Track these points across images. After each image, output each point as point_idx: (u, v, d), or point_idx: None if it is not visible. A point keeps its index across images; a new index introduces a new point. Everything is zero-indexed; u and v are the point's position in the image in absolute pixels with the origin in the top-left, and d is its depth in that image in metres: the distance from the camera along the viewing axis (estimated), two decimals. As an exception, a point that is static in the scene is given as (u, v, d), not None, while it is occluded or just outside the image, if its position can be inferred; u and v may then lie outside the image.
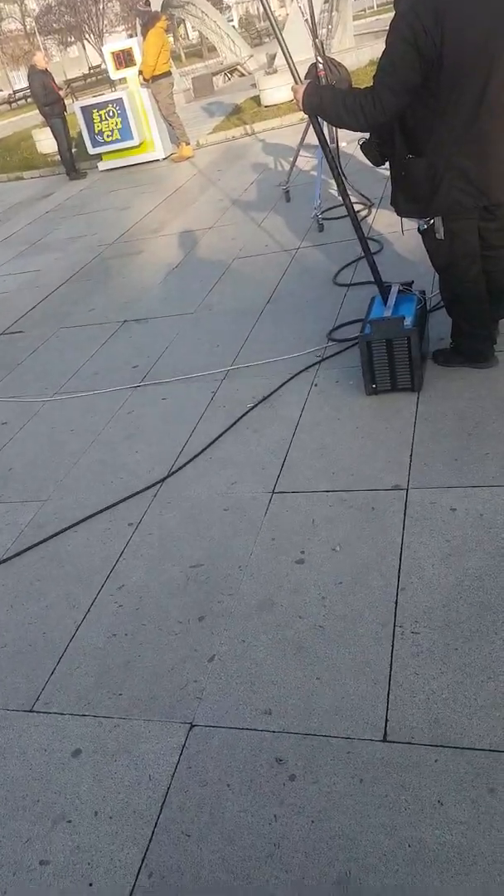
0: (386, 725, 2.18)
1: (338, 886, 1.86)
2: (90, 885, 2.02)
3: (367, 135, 3.51)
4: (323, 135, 3.69)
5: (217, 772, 2.20)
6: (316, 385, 4.03)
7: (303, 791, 2.08)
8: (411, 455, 3.24)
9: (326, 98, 3.23)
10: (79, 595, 3.06)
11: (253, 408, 3.99)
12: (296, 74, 3.54)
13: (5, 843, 2.19)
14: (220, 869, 1.96)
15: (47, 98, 11.44)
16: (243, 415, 3.94)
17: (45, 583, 3.19)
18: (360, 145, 3.59)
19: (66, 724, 2.51)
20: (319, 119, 3.54)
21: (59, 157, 12.50)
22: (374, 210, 6.32)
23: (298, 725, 2.26)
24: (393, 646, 2.40)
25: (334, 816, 2.00)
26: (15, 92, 38.59)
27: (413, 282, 3.87)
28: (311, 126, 3.88)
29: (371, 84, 2.99)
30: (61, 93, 11.77)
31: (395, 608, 2.53)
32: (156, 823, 2.12)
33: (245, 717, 2.33)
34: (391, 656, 2.37)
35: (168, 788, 2.20)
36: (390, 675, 2.31)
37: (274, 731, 2.26)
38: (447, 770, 2.02)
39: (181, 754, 2.29)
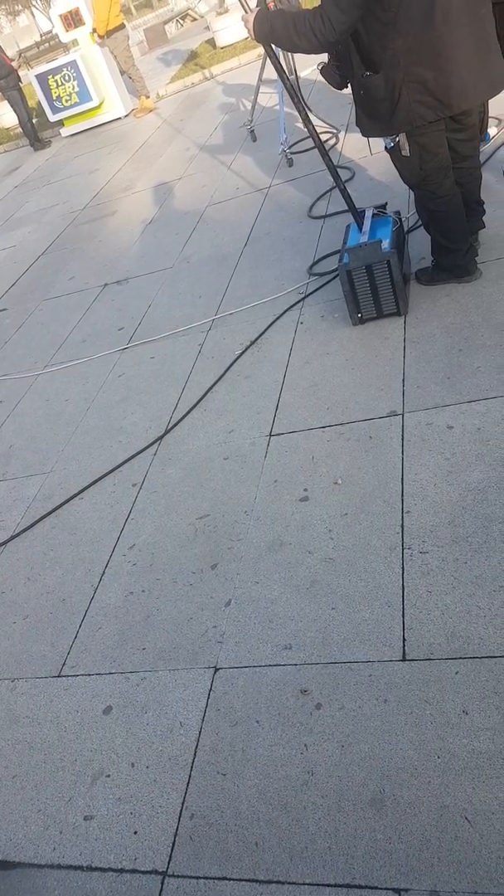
0: (404, 645, 2.20)
1: (373, 805, 1.90)
2: (135, 833, 2.08)
3: (325, 59, 3.40)
4: (280, 64, 3.56)
5: (245, 710, 2.24)
6: (302, 323, 3.97)
7: (330, 718, 2.12)
8: (404, 379, 3.21)
9: (277, 23, 3.11)
10: (92, 559, 3.09)
11: (241, 354, 3.95)
12: (245, 4, 3.42)
13: (49, 804, 2.25)
14: (259, 802, 2.01)
15: (0, 71, 11.13)
16: (233, 363, 3.91)
17: (59, 551, 3.22)
18: (320, 70, 3.47)
19: (95, 683, 2.56)
20: (275, 48, 3.42)
21: (20, 129, 12.23)
22: (341, 137, 6.15)
23: (319, 656, 2.28)
24: (403, 568, 2.42)
25: (363, 739, 2.04)
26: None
27: (387, 203, 3.77)
28: (268, 59, 3.75)
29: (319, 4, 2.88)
30: (14, 64, 11.44)
31: (402, 531, 2.54)
32: (191, 767, 2.17)
33: (266, 655, 2.37)
34: (402, 578, 2.39)
35: (199, 732, 2.25)
36: (403, 597, 2.33)
37: (296, 664, 2.29)
38: (468, 680, 2.05)
39: (209, 698, 2.33)
